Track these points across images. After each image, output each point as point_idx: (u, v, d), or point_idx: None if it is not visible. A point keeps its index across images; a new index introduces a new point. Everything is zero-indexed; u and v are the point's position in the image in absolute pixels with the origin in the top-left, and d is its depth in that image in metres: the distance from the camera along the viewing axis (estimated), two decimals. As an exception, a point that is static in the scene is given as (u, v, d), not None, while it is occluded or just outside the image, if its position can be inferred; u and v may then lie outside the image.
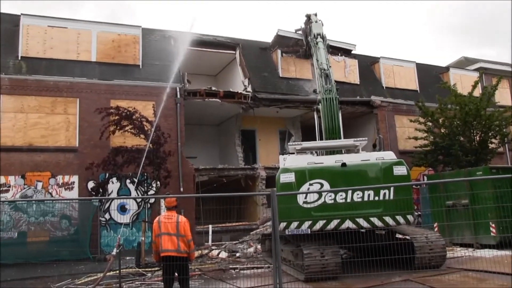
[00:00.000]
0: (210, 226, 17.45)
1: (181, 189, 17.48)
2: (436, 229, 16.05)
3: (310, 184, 10.51)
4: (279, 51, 21.61)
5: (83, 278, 11.60)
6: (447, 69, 27.16)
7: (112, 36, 18.23)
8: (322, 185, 10.45)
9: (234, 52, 21.54)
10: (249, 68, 20.98)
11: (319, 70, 15.03)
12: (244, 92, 19.86)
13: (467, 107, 18.68)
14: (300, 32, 19.00)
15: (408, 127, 22.40)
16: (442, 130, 20.06)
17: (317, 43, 16.18)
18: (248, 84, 20.34)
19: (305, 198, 10.39)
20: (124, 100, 17.33)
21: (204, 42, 20.49)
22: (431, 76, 25.83)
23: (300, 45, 19.61)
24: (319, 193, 10.35)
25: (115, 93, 17.40)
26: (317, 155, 13.08)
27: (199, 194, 18.13)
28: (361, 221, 10.38)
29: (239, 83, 20.94)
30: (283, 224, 10.38)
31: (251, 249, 15.64)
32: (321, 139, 14.19)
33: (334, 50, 21.34)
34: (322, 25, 17.20)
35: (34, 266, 13.14)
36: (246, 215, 20.01)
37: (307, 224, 10.40)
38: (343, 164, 10.67)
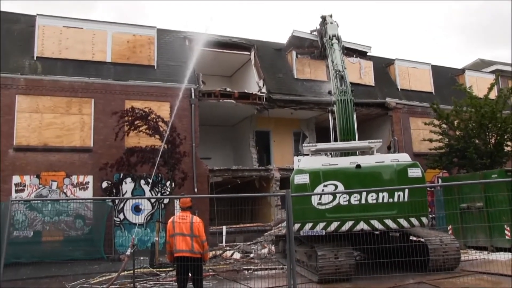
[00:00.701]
0: (224, 227, 17.47)
1: (195, 190, 17.50)
2: (450, 231, 15.92)
3: (325, 186, 10.48)
4: (294, 52, 21.58)
5: (97, 278, 11.67)
6: (462, 71, 26.89)
7: (127, 36, 18.32)
8: (336, 186, 10.41)
9: (249, 53, 21.52)
10: (264, 69, 20.97)
11: (334, 72, 15.01)
12: (258, 93, 19.85)
13: (483, 109, 18.49)
14: (315, 33, 18.97)
15: (423, 129, 22.23)
16: (457, 133, 19.87)
17: (332, 45, 16.14)
18: (263, 85, 20.32)
19: (320, 199, 10.36)
20: (138, 101, 17.46)
21: (219, 43, 20.50)
22: (446, 78, 25.59)
23: (315, 46, 19.57)
24: (334, 195, 10.33)
25: (130, 93, 17.48)
26: (332, 156, 13.05)
27: (213, 195, 18.17)
28: (375, 223, 10.33)
29: (254, 84, 20.94)
30: (297, 225, 10.37)
31: (265, 250, 15.64)
32: (335, 140, 14.15)
33: (349, 51, 21.27)
34: (338, 26, 17.18)
35: (49, 265, 13.20)
36: (260, 216, 19.97)
37: (321, 225, 10.39)
38: (358, 166, 10.62)
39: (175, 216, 8.16)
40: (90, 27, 17.88)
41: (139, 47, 18.41)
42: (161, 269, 12.69)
